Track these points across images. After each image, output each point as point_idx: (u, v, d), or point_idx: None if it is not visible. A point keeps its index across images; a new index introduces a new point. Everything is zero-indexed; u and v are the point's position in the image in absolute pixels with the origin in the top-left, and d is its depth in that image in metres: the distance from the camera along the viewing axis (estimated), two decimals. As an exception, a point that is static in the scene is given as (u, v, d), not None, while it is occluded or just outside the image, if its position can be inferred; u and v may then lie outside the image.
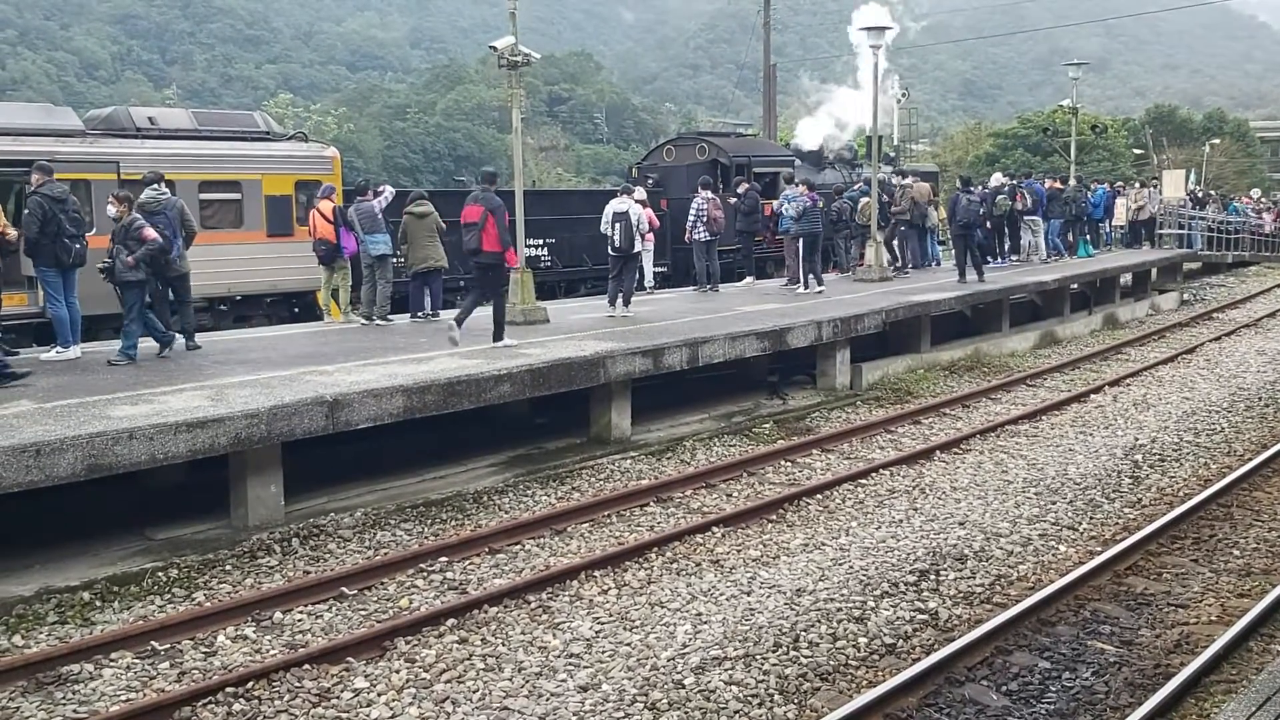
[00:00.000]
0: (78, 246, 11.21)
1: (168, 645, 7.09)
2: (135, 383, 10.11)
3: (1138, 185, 33.52)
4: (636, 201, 15.31)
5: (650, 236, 18.82)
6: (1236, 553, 8.96)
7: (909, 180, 23.15)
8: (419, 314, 15.18)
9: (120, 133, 16.08)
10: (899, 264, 22.62)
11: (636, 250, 15.34)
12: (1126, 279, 26.46)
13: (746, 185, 20.71)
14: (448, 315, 16.04)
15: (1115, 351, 19.60)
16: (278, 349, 12.40)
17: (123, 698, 6.40)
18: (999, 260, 24.10)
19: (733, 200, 20.52)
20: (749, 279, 20.70)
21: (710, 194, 18.68)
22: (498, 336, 12.59)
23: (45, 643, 7.14)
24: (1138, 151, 60.57)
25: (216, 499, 9.51)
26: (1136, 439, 12.82)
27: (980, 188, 24.06)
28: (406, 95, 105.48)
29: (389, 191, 15.40)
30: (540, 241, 21.66)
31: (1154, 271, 28.19)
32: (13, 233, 11.10)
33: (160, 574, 8.26)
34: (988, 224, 22.86)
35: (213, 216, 16.60)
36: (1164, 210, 32.28)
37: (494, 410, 11.89)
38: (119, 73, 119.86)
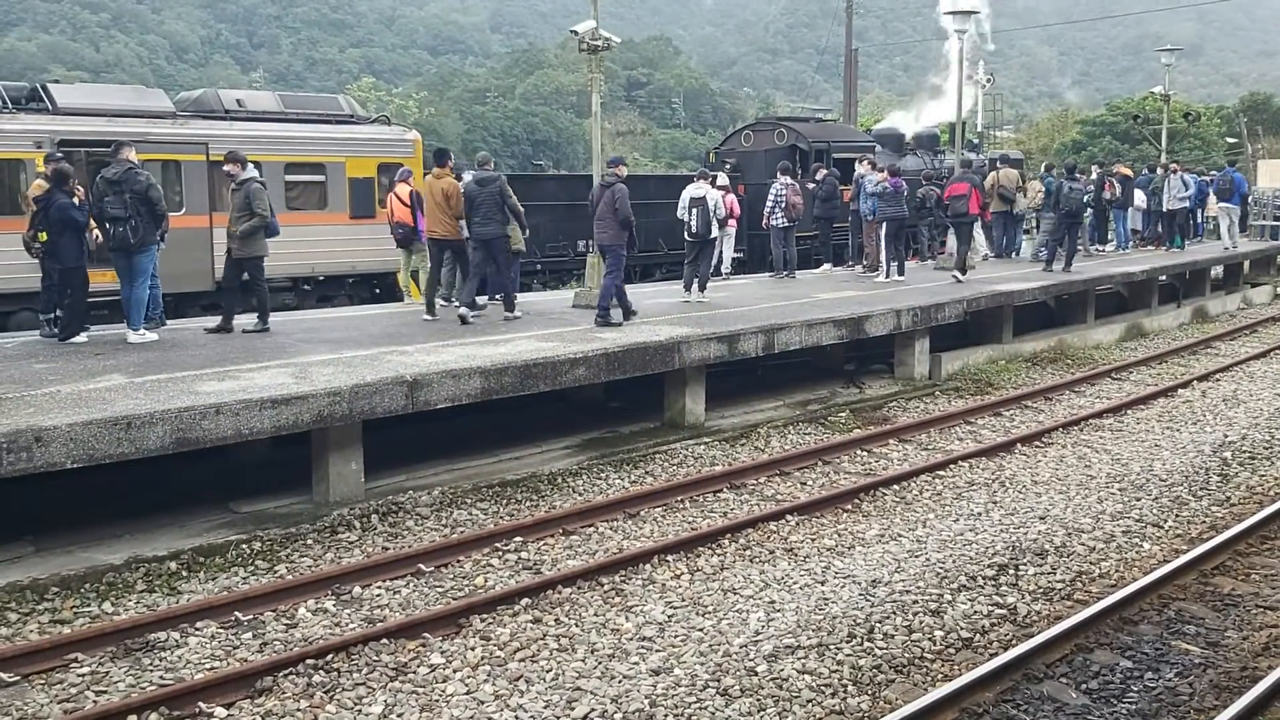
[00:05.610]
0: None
1: (250, 616, 7.26)
2: (222, 359, 10.35)
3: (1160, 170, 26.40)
4: (719, 189, 15.19)
5: (732, 222, 18.76)
6: (1330, 555, 8.68)
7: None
8: (496, 296, 15.27)
9: (209, 114, 16.43)
10: (988, 253, 22.40)
11: (713, 236, 15.27)
12: (1217, 271, 25.73)
13: (825, 171, 20.50)
14: (535, 298, 16.15)
15: (1204, 345, 19.07)
16: (359, 329, 12.60)
17: (207, 666, 6.57)
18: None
19: (811, 186, 20.33)
20: (826, 265, 20.52)
21: (789, 179, 18.55)
22: (962, 270, 18.41)
23: (134, 610, 7.35)
24: (1231, 140, 58.67)
25: (299, 474, 9.70)
26: (1226, 435, 12.47)
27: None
28: (486, 79, 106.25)
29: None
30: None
31: (1246, 264, 27.39)
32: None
33: (244, 546, 8.46)
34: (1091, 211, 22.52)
35: (298, 198, 16.93)
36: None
37: (569, 393, 11.97)
38: (208, 56, 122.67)
